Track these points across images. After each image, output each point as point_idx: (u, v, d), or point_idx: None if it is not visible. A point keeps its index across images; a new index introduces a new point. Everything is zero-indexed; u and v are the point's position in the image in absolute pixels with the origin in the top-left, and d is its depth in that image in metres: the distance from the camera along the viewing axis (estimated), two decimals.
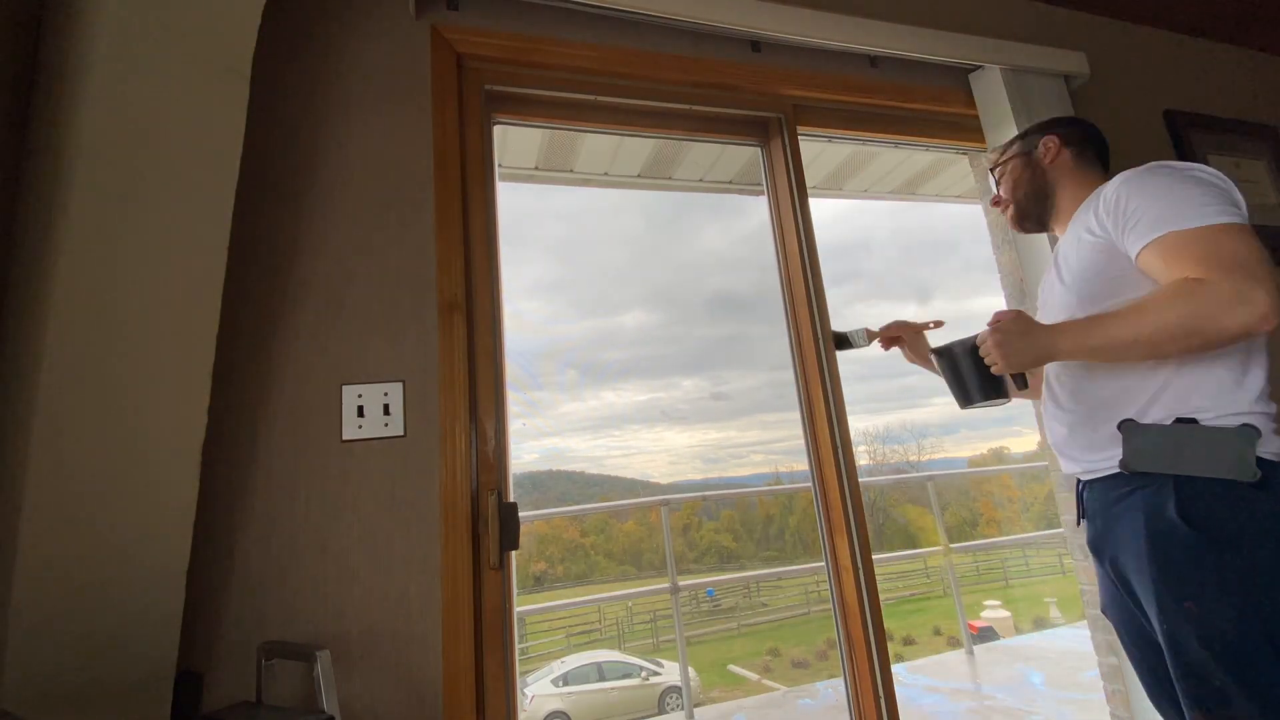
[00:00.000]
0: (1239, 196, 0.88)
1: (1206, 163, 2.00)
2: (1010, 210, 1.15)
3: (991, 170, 1.21)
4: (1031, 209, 1.12)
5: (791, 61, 1.58)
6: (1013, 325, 0.93)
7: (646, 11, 1.36)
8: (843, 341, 1.40)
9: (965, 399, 1.04)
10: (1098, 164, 1.11)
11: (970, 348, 1.00)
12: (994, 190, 1.19)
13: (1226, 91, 2.19)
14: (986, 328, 0.97)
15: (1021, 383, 0.99)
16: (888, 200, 2.60)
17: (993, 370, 0.96)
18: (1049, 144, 1.10)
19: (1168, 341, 0.82)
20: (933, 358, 1.10)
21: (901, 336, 1.34)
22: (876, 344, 1.41)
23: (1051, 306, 1.06)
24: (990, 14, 1.87)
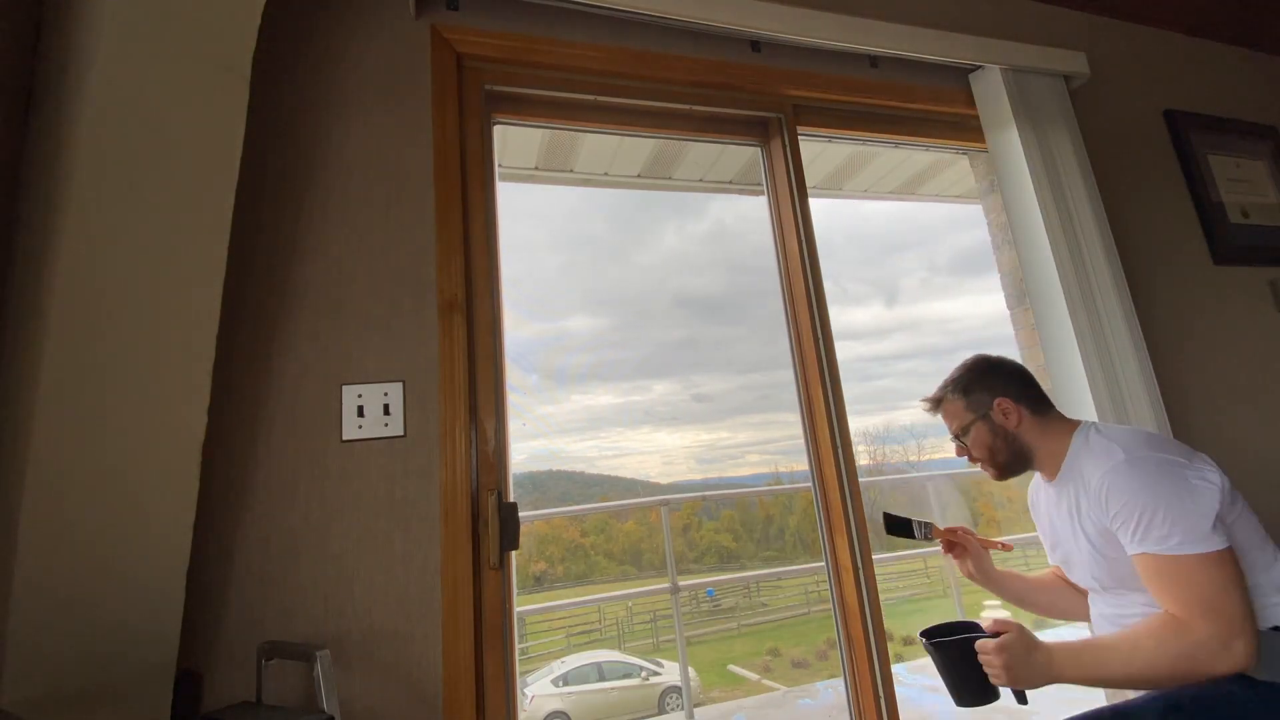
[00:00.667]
0: (1218, 490, 0.92)
1: (1206, 163, 2.00)
2: (991, 471, 1.16)
3: (934, 412, 1.21)
4: (1016, 467, 1.15)
5: (791, 61, 1.58)
6: (1018, 647, 0.92)
7: (646, 11, 1.36)
8: (900, 527, 1.25)
9: (960, 699, 1.00)
10: (1046, 402, 1.15)
11: (968, 651, 0.95)
12: (953, 439, 1.19)
13: (1226, 91, 2.19)
14: (984, 630, 0.97)
15: (1021, 698, 0.97)
16: (888, 200, 2.60)
17: (992, 681, 0.94)
18: (1004, 408, 1.11)
19: (1160, 680, 0.89)
20: (926, 647, 1.02)
21: (966, 547, 1.24)
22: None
23: (1077, 565, 1.10)
24: (990, 14, 1.87)
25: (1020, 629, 0.94)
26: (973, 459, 1.18)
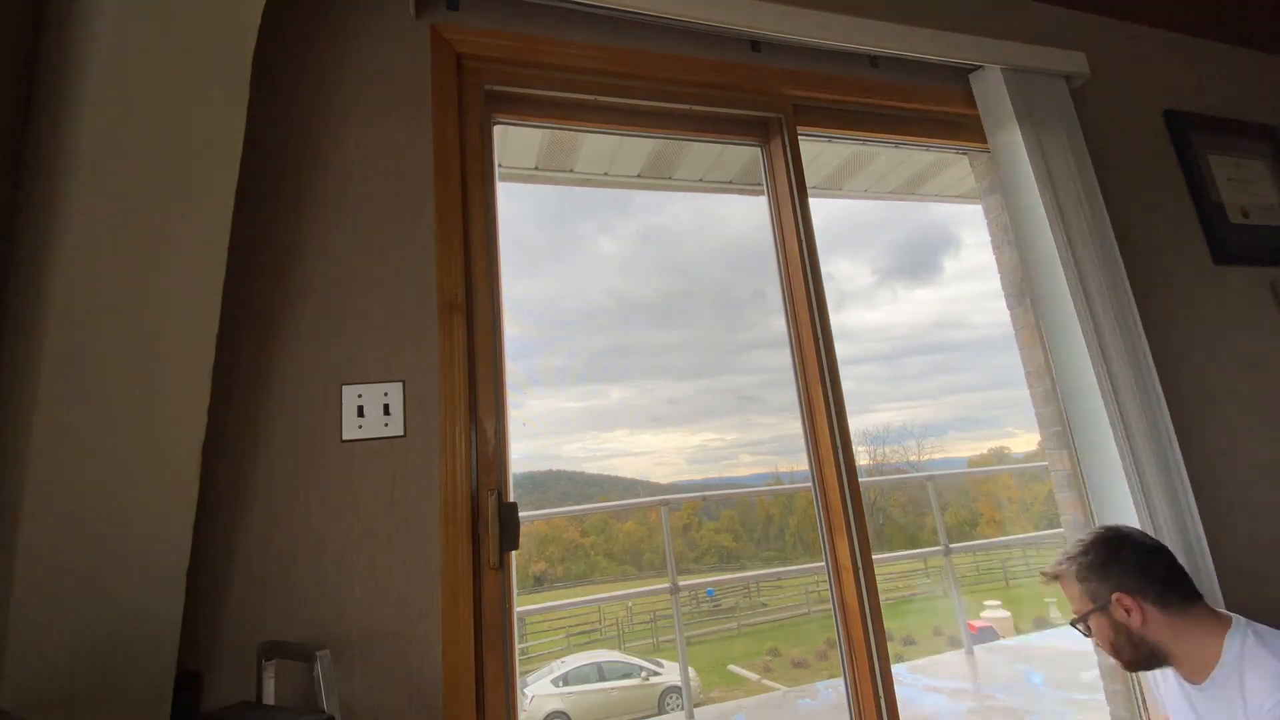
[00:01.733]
0: None
1: (1206, 163, 2.00)
2: (1119, 663, 1.07)
3: (1050, 583, 1.14)
4: (1148, 664, 1.04)
5: (791, 61, 1.58)
6: None
7: (646, 11, 1.36)
8: None
9: None
10: (1182, 592, 1.01)
11: None
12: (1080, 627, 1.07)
13: (1226, 91, 2.19)
14: None
15: None
16: (888, 200, 2.60)
17: None
18: (1125, 605, 1.00)
19: None
20: None
21: None
22: None
23: None
24: (990, 14, 1.87)
25: None
26: (1098, 646, 1.07)
